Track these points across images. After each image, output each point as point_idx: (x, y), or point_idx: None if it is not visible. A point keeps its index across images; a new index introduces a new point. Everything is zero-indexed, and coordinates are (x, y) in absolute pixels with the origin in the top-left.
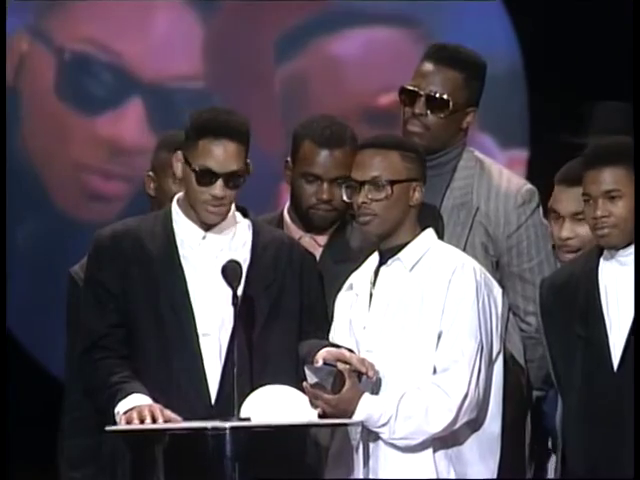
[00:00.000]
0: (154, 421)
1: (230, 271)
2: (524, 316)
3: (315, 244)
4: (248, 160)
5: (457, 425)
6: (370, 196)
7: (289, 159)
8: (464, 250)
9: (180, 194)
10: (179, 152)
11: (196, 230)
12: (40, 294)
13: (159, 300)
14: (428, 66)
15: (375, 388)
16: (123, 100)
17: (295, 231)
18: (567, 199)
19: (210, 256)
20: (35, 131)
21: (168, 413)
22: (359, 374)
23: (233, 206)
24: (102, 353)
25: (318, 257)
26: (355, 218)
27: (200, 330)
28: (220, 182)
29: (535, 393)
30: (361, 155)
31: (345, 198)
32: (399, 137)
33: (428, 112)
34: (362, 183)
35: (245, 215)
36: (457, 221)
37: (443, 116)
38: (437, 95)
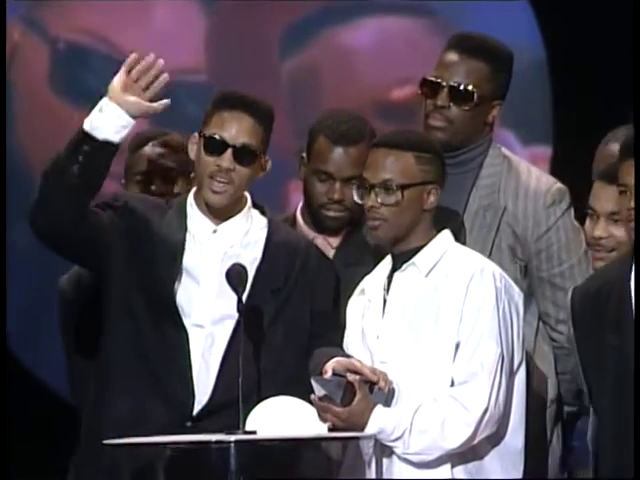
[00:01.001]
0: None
1: (235, 275)
2: (555, 325)
3: (328, 246)
4: (267, 158)
5: (476, 441)
6: (380, 200)
7: (304, 154)
8: (490, 254)
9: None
10: (195, 134)
11: (207, 224)
12: (36, 302)
13: (154, 283)
14: (452, 56)
15: (389, 401)
16: None
17: (308, 232)
18: (605, 197)
19: (219, 251)
20: (28, 127)
21: None
22: (371, 385)
23: (249, 201)
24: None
25: None
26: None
27: (193, 319)
28: (229, 153)
29: (567, 408)
30: (373, 154)
31: (356, 199)
32: (416, 135)
33: (451, 104)
34: (372, 185)
35: (263, 214)
36: (483, 223)
37: (467, 109)
38: (461, 86)
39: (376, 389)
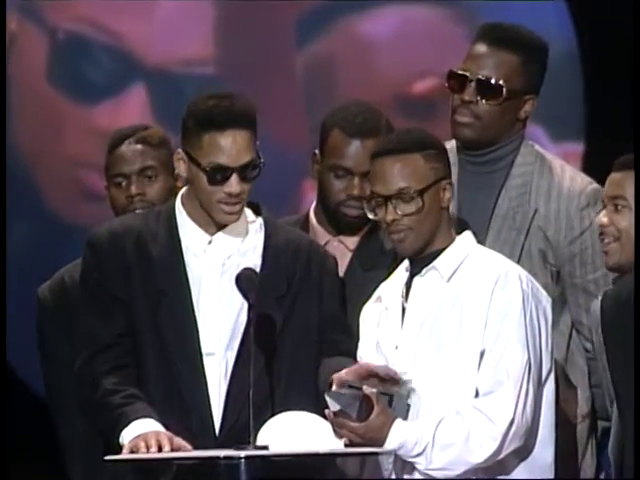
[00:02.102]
0: (160, 450)
1: (245, 280)
2: (588, 334)
3: (345, 248)
4: (257, 142)
5: (502, 455)
6: (400, 211)
7: (317, 151)
8: (519, 259)
9: (184, 190)
10: (179, 150)
11: (201, 235)
12: (29, 308)
13: (160, 313)
14: (480, 48)
15: (412, 414)
16: (124, 87)
17: (322, 234)
18: (608, 182)
19: (216, 264)
20: (25, 122)
21: (178, 441)
22: (390, 397)
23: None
24: (104, 366)
25: (347, 263)
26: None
27: (204, 349)
28: (235, 177)
29: (602, 424)
30: (379, 165)
31: (370, 216)
32: (417, 134)
33: (479, 99)
34: (388, 198)
35: (258, 213)
36: (512, 225)
37: (496, 104)
38: (490, 80)
39: (395, 403)
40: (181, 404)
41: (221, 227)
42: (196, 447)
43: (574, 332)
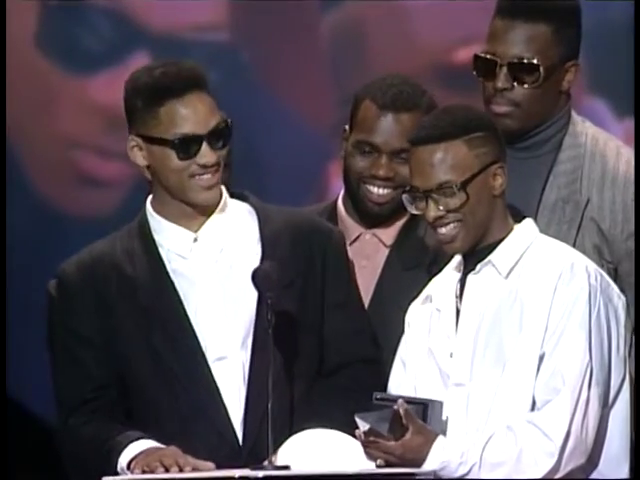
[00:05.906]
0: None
1: (262, 276)
2: None
3: (379, 243)
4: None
5: (561, 473)
6: (442, 207)
7: (347, 127)
8: None
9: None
10: (132, 137)
11: (183, 234)
12: (17, 308)
13: (152, 333)
14: (503, 23)
15: (467, 428)
16: (125, 55)
17: (353, 227)
18: None
19: (207, 261)
20: (11, 96)
21: (193, 460)
22: (424, 407)
23: (225, 193)
24: (86, 416)
25: (383, 260)
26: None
27: (210, 354)
28: (206, 146)
29: None
30: (416, 155)
31: (411, 210)
32: (457, 115)
33: (515, 84)
34: (428, 192)
35: (244, 199)
36: (562, 218)
37: (535, 86)
38: (523, 60)
39: (430, 412)
40: (196, 427)
41: (204, 221)
42: (218, 467)
43: (633, 338)
